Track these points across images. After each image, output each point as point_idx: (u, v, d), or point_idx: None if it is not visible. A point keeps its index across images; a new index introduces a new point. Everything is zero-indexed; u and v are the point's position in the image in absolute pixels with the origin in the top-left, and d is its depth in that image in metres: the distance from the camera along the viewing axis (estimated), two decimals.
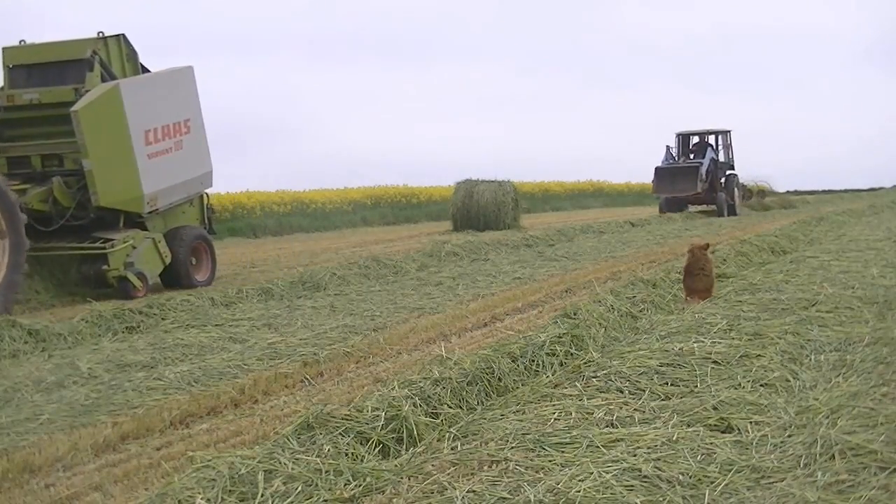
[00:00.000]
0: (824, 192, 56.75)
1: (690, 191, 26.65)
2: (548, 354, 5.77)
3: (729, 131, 29.77)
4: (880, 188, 55.78)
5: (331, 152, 70.19)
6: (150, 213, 11.78)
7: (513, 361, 5.52)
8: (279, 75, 78.62)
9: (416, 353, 6.94)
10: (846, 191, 56.29)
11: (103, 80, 11.28)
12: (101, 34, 11.66)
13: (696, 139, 29.35)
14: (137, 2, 75.27)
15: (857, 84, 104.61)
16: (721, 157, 29.04)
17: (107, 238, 11.10)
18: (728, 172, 29.31)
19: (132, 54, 12.12)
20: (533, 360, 5.65)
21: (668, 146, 28.32)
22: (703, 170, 26.96)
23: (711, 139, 29.27)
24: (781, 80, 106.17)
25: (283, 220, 26.66)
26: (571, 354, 5.86)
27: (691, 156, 28.57)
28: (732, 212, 28.01)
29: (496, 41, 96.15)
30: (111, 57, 11.72)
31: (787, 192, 60.61)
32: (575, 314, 6.84)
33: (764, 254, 12.19)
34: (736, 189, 28.85)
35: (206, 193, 13.54)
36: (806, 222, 18.58)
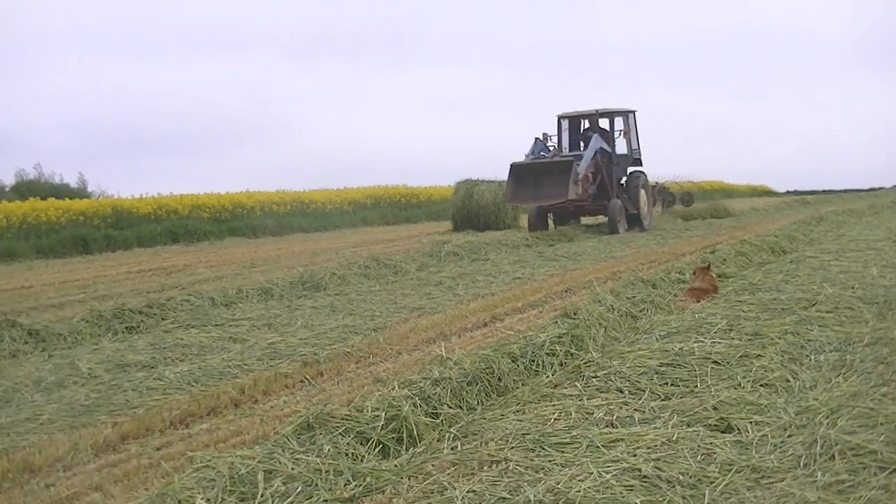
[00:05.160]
0: (824, 192, 56.86)
1: (559, 197, 18.06)
2: (548, 354, 5.77)
3: (632, 112, 21.29)
4: (880, 188, 55.87)
5: (331, 152, 70.23)
6: None
7: (513, 361, 5.52)
8: (277, 74, 78.61)
9: (416, 353, 6.94)
10: (846, 191, 56.39)
11: None
12: None
13: (587, 124, 20.82)
14: None
15: (846, 83, 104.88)
16: (621, 149, 20.79)
17: None
18: (631, 170, 21.12)
19: None
20: (533, 360, 5.65)
21: (544, 134, 19.93)
22: (582, 166, 18.48)
23: (605, 123, 20.82)
24: (773, 78, 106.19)
25: (283, 220, 26.70)
26: (571, 354, 5.87)
27: (581, 146, 20.08)
28: (637, 224, 20.30)
29: (497, 39, 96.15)
30: None
31: (788, 191, 60.78)
32: (575, 314, 6.84)
33: (764, 254, 12.19)
34: (643, 192, 20.82)
35: None
36: (806, 222, 18.58)
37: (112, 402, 5.71)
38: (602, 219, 20.56)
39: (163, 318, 8.76)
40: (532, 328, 7.19)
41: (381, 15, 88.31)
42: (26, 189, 27.34)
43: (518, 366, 5.52)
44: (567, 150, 20.20)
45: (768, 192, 60.59)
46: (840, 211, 24.27)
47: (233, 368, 6.53)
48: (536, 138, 19.62)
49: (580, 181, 18.28)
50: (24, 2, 66.37)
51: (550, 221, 20.60)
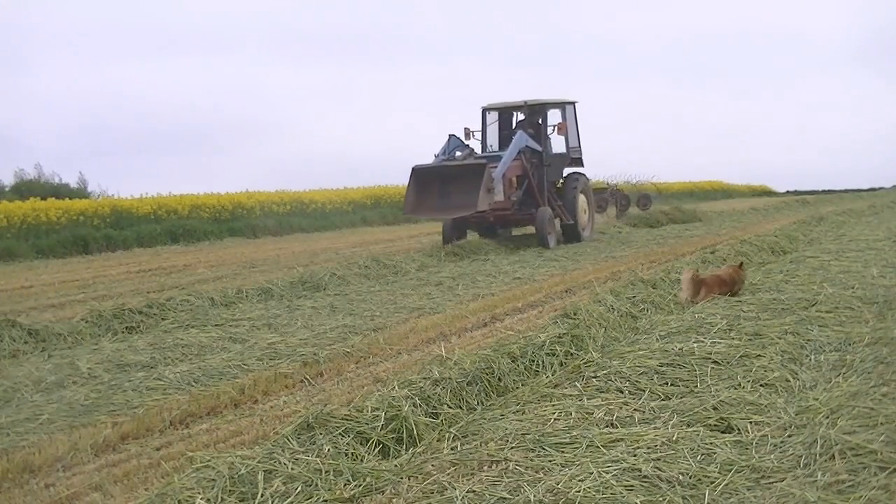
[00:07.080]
0: (824, 192, 56.84)
1: (467, 208, 14.43)
2: (548, 354, 5.78)
3: (572, 103, 18.01)
4: (880, 188, 55.86)
5: (331, 152, 70.26)
6: None
7: (513, 361, 5.52)
8: (277, 74, 78.66)
9: (416, 353, 6.94)
10: (846, 191, 56.36)
11: None
12: None
13: (521, 116, 17.38)
14: None
15: (846, 83, 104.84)
16: (557, 147, 17.43)
17: None
18: (569, 171, 17.84)
19: None
20: (533, 360, 5.66)
21: (465, 129, 16.65)
22: (500, 170, 15.06)
23: (540, 118, 17.25)
24: (773, 78, 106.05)
25: (282, 220, 26.68)
26: (571, 354, 5.87)
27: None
28: (573, 236, 17.07)
29: (499, 37, 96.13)
30: None
31: (788, 191, 60.83)
32: (575, 314, 6.84)
33: (764, 254, 12.19)
34: (582, 197, 17.51)
35: None
36: (806, 222, 18.58)
37: (112, 402, 5.71)
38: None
39: (163, 318, 8.76)
40: (532, 328, 7.19)
41: (381, 13, 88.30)
42: (26, 189, 27.37)
43: (518, 366, 5.52)
44: (496, 147, 17.08)
45: (768, 192, 60.55)
46: (840, 211, 24.25)
47: (233, 368, 6.53)
48: (451, 135, 15.96)
49: (495, 187, 14.80)
50: (24, 2, 66.43)
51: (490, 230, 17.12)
